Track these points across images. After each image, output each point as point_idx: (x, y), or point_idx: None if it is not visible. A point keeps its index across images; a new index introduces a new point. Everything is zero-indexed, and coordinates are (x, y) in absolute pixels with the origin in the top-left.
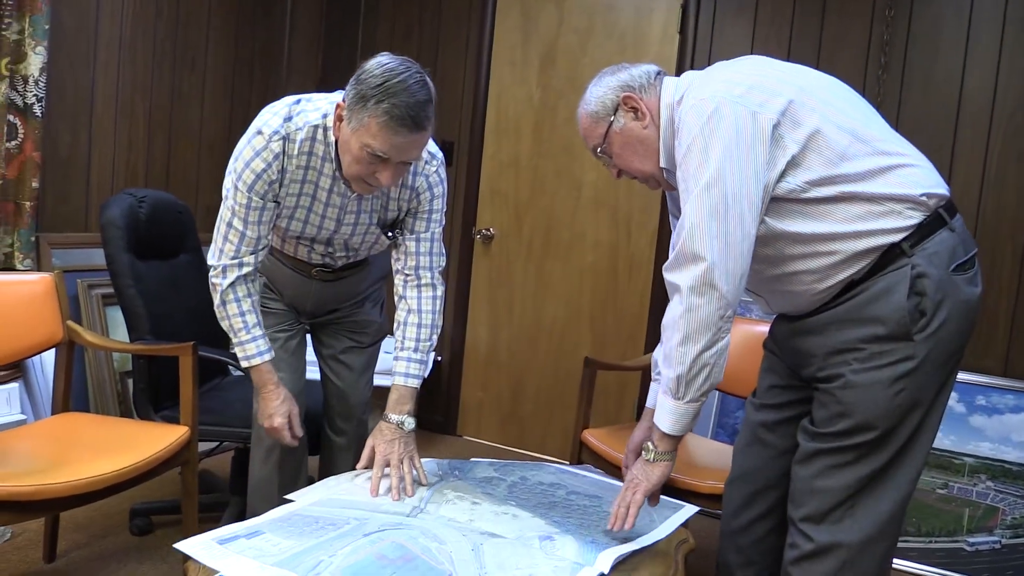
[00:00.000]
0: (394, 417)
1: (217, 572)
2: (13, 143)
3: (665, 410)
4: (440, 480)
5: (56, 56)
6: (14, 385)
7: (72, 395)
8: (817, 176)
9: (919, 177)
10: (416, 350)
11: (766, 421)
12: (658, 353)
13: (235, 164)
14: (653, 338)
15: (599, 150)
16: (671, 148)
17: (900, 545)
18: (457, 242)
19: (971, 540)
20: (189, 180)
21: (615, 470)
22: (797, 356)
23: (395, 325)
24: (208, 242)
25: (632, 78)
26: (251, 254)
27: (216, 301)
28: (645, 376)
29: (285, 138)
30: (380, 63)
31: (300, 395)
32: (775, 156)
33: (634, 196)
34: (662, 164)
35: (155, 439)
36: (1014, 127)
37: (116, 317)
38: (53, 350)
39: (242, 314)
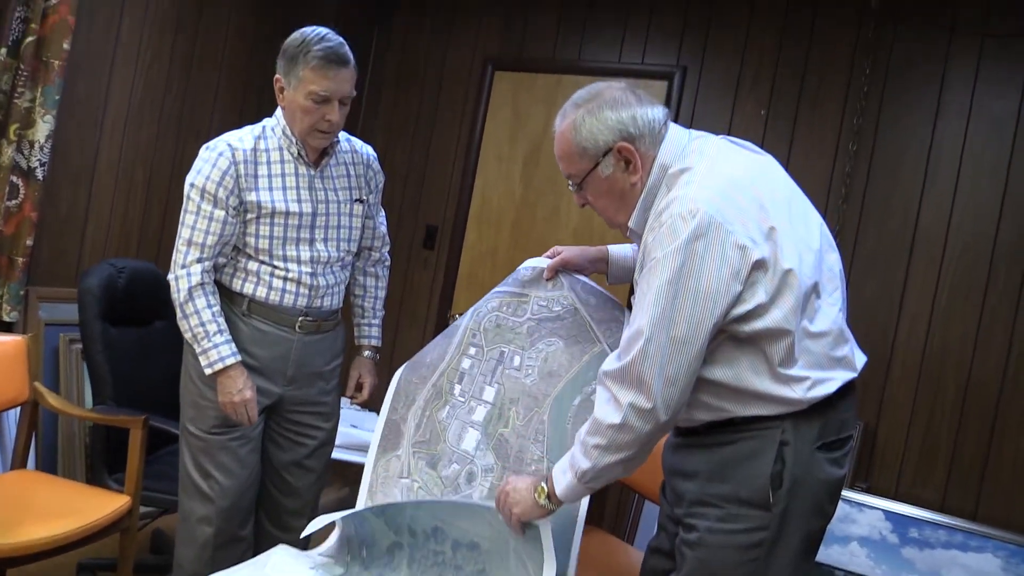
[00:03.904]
0: (369, 354)
1: None
2: (13, 202)
3: (565, 481)
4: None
5: (65, 119)
6: None
7: (43, 448)
8: (765, 327)
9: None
10: (381, 315)
11: (655, 568)
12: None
13: (191, 179)
14: None
15: (574, 183)
16: (646, 214)
17: None
18: (432, 322)
19: None
20: None
21: None
22: (674, 495)
23: (360, 297)
24: None
25: (636, 124)
26: (197, 262)
27: (178, 315)
28: None
29: (230, 146)
30: (291, 37)
31: (253, 487)
32: (745, 296)
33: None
34: (631, 224)
35: (98, 506)
36: (964, 265)
37: None
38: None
39: (202, 324)
